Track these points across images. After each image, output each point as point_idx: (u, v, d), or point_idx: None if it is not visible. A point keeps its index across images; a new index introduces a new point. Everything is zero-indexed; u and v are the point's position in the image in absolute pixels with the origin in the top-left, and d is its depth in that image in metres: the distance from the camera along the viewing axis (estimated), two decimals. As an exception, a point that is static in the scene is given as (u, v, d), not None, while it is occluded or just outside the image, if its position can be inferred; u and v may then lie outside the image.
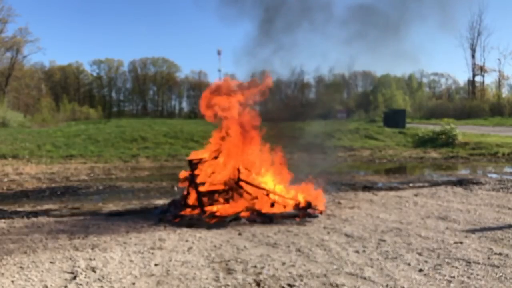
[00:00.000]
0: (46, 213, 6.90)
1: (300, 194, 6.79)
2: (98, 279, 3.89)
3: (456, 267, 4.16)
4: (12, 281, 3.85)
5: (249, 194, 6.59)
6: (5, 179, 10.87)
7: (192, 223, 5.93)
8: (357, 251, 4.68)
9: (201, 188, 6.51)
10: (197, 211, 6.37)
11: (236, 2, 8.69)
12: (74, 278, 3.91)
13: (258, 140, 7.00)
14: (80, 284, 3.77)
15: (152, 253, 4.64)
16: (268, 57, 7.87)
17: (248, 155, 6.92)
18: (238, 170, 6.67)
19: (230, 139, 6.88)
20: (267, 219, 6.11)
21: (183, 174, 6.97)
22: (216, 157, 6.83)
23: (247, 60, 8.07)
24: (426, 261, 4.34)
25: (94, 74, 72.52)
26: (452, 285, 3.73)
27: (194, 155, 7.04)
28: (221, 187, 6.64)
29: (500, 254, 4.56)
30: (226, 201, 6.53)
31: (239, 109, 7.00)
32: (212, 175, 6.73)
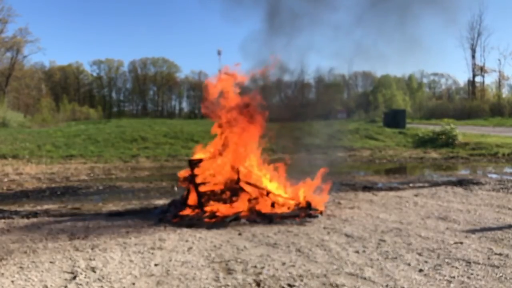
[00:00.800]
0: (46, 213, 6.90)
1: (301, 194, 6.78)
2: (98, 279, 3.89)
3: (456, 267, 4.16)
4: (12, 281, 3.85)
5: (249, 194, 6.58)
6: (5, 179, 10.87)
7: (192, 223, 5.93)
8: (357, 251, 4.68)
9: (201, 188, 6.51)
10: (197, 211, 6.36)
11: (241, 3, 8.69)
12: (74, 278, 3.91)
13: (261, 124, 6.90)
14: (80, 284, 3.77)
15: (152, 253, 4.63)
16: (275, 50, 7.85)
17: (250, 150, 6.89)
18: (238, 170, 6.67)
19: (232, 128, 6.82)
20: (267, 219, 6.11)
21: (183, 173, 6.96)
22: (222, 147, 6.78)
23: (253, 57, 8.04)
24: (426, 261, 4.34)
25: (94, 74, 72.70)
26: (452, 285, 3.73)
27: (198, 151, 7.03)
28: (221, 187, 6.63)
29: (500, 254, 4.56)
30: (226, 201, 6.52)
31: (239, 90, 6.99)
32: (212, 175, 6.72)
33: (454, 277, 3.90)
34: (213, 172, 6.74)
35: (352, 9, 9.60)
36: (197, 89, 69.02)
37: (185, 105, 75.18)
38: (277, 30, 7.96)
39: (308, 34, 8.57)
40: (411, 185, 9.60)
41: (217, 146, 6.94)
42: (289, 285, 3.74)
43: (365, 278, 3.88)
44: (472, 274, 3.99)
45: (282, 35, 7.99)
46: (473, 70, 50.13)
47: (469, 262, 4.30)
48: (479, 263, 4.27)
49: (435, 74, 70.00)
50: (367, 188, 9.22)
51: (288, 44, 8.05)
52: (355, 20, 9.34)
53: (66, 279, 3.90)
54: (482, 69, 49.91)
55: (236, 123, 6.85)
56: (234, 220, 6.05)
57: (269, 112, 7.00)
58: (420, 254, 4.57)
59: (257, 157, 7.09)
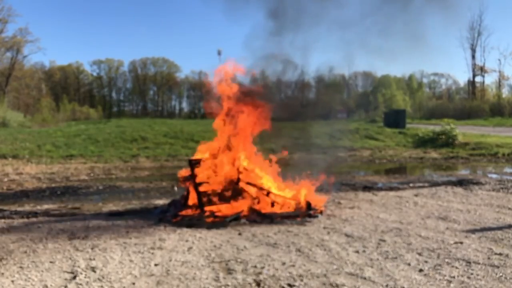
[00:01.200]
0: (46, 213, 6.90)
1: (301, 194, 6.77)
2: (98, 279, 3.89)
3: (456, 267, 4.16)
4: (12, 281, 3.85)
5: (250, 194, 6.58)
6: (5, 179, 10.87)
7: (192, 223, 5.93)
8: (357, 251, 4.68)
9: (201, 188, 6.50)
10: (197, 211, 6.36)
11: (246, 1, 8.67)
12: (74, 278, 3.92)
13: (264, 115, 6.85)
14: (80, 284, 3.77)
15: (152, 253, 4.64)
16: (279, 46, 7.81)
17: (250, 148, 6.87)
18: (238, 170, 6.66)
19: (234, 118, 6.77)
20: (267, 219, 6.11)
21: (183, 173, 6.96)
22: (224, 144, 6.75)
23: (256, 53, 7.98)
24: (426, 261, 4.34)
25: (94, 74, 72.76)
26: (452, 285, 3.73)
27: (202, 148, 7.01)
28: (221, 186, 6.63)
29: (500, 254, 4.56)
30: (227, 201, 6.52)
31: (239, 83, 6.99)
32: (213, 175, 6.71)
33: (454, 277, 3.90)
34: (213, 172, 6.73)
35: (358, 5, 9.61)
36: (197, 89, 69.06)
37: (185, 105, 75.30)
38: (281, 26, 7.93)
39: (313, 30, 8.56)
40: (411, 185, 9.60)
41: (219, 143, 6.90)
42: (289, 285, 3.74)
43: (365, 278, 3.88)
44: (472, 274, 3.99)
45: (286, 31, 7.96)
46: (473, 70, 50.17)
47: (469, 262, 4.30)
48: (479, 263, 4.27)
49: (435, 74, 70.10)
50: (367, 188, 9.22)
51: (292, 40, 8.03)
52: (360, 16, 9.36)
53: (66, 279, 3.90)
54: (482, 69, 49.91)
55: (238, 112, 6.81)
56: (234, 220, 6.05)
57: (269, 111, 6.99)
58: (420, 254, 4.57)
59: (257, 155, 7.09)
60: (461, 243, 4.97)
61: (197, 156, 7.01)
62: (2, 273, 4.03)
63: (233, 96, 6.87)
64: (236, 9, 9.24)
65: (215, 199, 6.49)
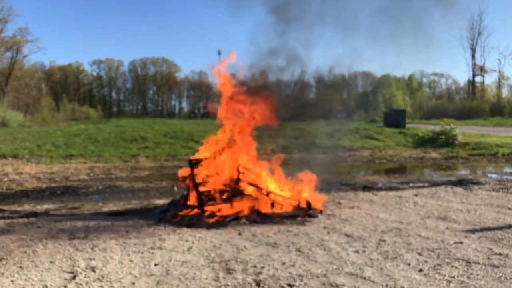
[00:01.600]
0: (46, 213, 6.89)
1: (301, 194, 6.77)
2: (98, 278, 3.89)
3: (456, 267, 4.16)
4: (12, 281, 3.85)
5: (250, 194, 6.58)
6: (5, 179, 10.87)
7: (192, 223, 5.93)
8: (357, 251, 4.68)
9: (201, 188, 6.50)
10: (197, 211, 6.36)
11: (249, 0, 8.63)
12: (74, 277, 3.92)
13: (269, 106, 6.81)
14: (80, 284, 3.77)
15: (152, 253, 4.64)
16: (283, 43, 7.79)
17: (252, 146, 6.86)
18: (238, 170, 6.66)
19: (237, 108, 6.74)
20: (267, 219, 6.11)
21: (182, 172, 6.95)
22: (232, 138, 6.72)
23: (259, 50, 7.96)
24: (426, 261, 4.34)
25: (94, 74, 72.84)
26: (452, 285, 3.73)
27: (208, 143, 6.99)
28: (221, 186, 6.62)
29: (500, 254, 4.56)
30: (226, 201, 6.52)
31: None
32: (213, 174, 6.70)
33: (454, 277, 3.90)
34: (213, 171, 6.72)
35: (362, 2, 9.61)
36: (197, 89, 69.12)
37: (185, 105, 75.37)
38: (284, 24, 7.89)
39: (316, 27, 8.50)
40: (411, 185, 9.60)
41: (223, 137, 6.87)
42: (289, 285, 3.74)
43: (365, 278, 3.88)
44: (472, 274, 3.99)
45: (289, 28, 7.92)
46: (473, 70, 50.19)
47: (469, 262, 4.30)
48: (479, 263, 4.27)
49: (435, 74, 70.19)
50: (367, 188, 9.21)
51: (296, 37, 8.00)
52: (365, 11, 9.35)
53: (66, 279, 3.90)
54: (482, 69, 49.93)
55: (240, 103, 6.77)
56: (234, 220, 6.05)
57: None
58: (420, 254, 4.57)
59: (257, 155, 7.08)
60: (461, 243, 4.97)
61: (200, 151, 6.99)
62: (2, 273, 4.03)
63: (234, 85, 6.86)
64: (240, 7, 9.19)
65: (215, 198, 6.49)
